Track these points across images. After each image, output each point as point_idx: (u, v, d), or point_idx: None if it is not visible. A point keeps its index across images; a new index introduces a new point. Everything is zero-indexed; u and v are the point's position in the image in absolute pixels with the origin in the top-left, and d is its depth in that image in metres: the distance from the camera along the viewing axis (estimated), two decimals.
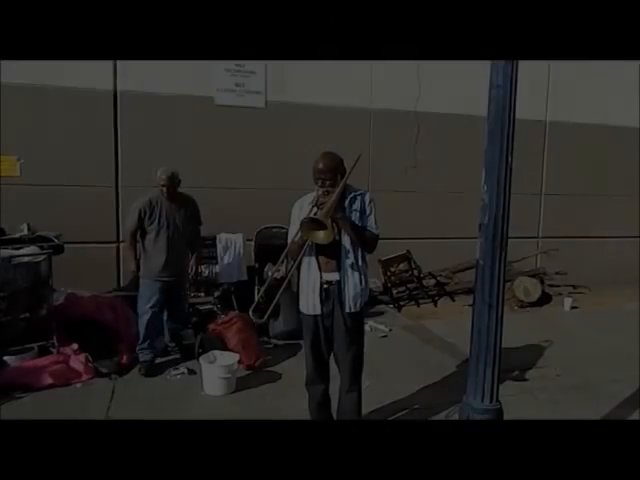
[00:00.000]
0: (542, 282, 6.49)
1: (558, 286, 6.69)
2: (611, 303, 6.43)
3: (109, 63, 5.24)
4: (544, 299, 6.34)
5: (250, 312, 2.77)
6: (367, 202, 2.76)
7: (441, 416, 3.34)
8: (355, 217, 2.72)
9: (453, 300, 6.33)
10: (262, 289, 2.99)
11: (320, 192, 2.66)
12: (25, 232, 4.10)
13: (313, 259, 2.74)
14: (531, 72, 6.09)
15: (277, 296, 2.70)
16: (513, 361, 4.19)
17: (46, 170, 5.18)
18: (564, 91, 6.85)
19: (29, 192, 5.08)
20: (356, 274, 2.74)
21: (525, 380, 3.98)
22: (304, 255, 2.74)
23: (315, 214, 2.60)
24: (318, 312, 2.77)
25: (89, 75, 5.13)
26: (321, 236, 2.53)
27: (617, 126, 7.10)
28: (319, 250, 2.72)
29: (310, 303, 2.78)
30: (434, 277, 6.46)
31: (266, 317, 2.80)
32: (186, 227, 4.10)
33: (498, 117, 2.07)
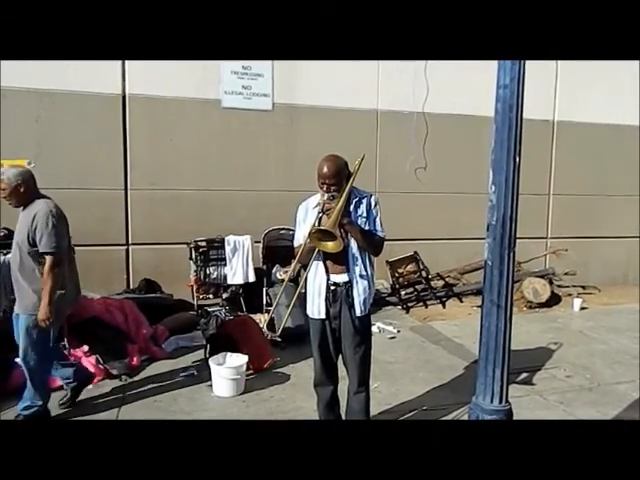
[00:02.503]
0: (551, 283, 6.45)
1: (567, 287, 6.65)
2: (620, 303, 6.39)
3: (117, 67, 5.28)
4: (553, 300, 6.30)
5: (264, 327, 2.77)
6: (372, 205, 2.75)
7: (450, 417, 3.33)
8: (361, 221, 2.72)
9: (461, 301, 6.31)
10: (272, 309, 3.02)
11: (326, 197, 2.64)
12: None
13: (320, 263, 2.75)
14: (539, 72, 6.09)
15: (289, 310, 2.73)
16: (522, 362, 4.17)
17: (56, 173, 5.22)
18: (572, 90, 6.82)
19: None
20: (365, 277, 2.74)
21: (534, 382, 3.96)
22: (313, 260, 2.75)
23: (321, 221, 2.60)
24: (324, 316, 2.77)
25: (98, 79, 5.19)
26: (330, 246, 2.53)
27: (626, 125, 7.05)
28: (326, 254, 2.71)
29: (316, 307, 2.78)
30: (442, 278, 6.45)
31: (279, 332, 2.84)
32: (27, 247, 3.04)
33: (505, 117, 2.06)
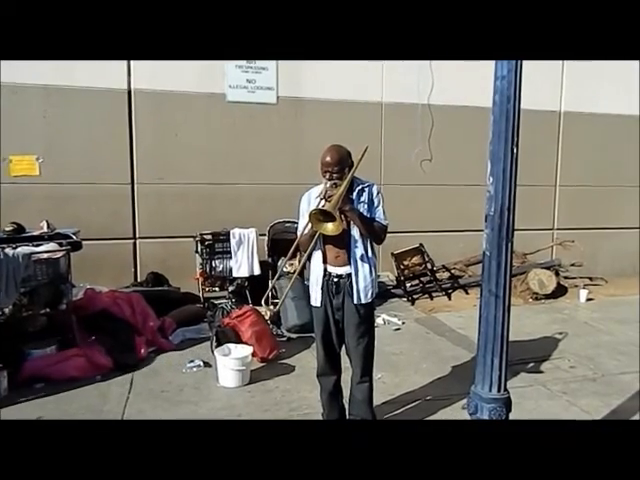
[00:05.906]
0: (557, 274, 6.43)
1: (574, 278, 6.63)
2: (627, 294, 6.37)
3: (123, 63, 5.32)
4: (559, 291, 6.29)
5: (262, 301, 2.81)
6: (375, 194, 2.80)
7: (454, 407, 3.36)
8: (363, 209, 2.76)
9: (467, 293, 6.31)
10: (274, 280, 3.05)
11: (328, 185, 2.69)
12: (44, 229, 4.19)
13: (320, 253, 2.79)
14: (545, 63, 6.04)
15: (288, 287, 2.76)
16: (527, 353, 4.19)
17: (64, 169, 5.30)
18: (579, 80, 6.76)
19: (48, 190, 5.21)
20: (366, 266, 2.77)
21: (539, 372, 3.98)
22: (314, 249, 2.79)
23: (323, 206, 2.64)
24: (319, 304, 2.81)
25: (104, 75, 5.23)
26: (330, 228, 2.57)
27: (634, 115, 6.97)
28: (328, 244, 2.76)
29: (314, 295, 2.84)
30: (448, 270, 6.46)
31: (278, 307, 2.88)
32: None
33: (503, 108, 2.07)
